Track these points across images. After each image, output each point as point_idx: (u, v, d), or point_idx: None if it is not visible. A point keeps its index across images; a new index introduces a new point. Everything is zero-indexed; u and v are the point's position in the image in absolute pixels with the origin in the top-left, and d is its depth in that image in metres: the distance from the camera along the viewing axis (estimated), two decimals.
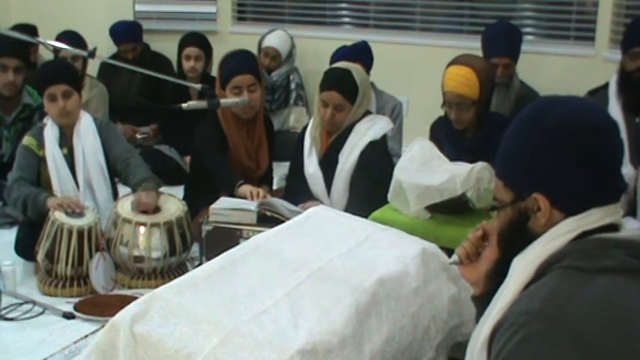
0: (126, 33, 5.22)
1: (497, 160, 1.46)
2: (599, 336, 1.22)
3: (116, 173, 3.48)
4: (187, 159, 4.57)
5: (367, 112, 3.34)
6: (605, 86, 3.56)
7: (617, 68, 3.58)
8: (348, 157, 3.23)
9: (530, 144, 1.37)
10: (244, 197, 3.16)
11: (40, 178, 3.33)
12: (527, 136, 1.39)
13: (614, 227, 1.38)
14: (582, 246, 1.33)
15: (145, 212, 3.12)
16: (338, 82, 3.21)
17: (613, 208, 1.37)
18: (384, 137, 3.28)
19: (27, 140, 3.36)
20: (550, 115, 1.37)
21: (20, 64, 3.92)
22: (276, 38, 5.08)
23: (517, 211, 1.42)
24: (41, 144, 3.33)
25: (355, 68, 3.28)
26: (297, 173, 3.41)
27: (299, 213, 2.75)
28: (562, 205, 1.36)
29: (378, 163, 3.17)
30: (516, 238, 1.43)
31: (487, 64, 3.26)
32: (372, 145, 3.21)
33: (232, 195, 3.21)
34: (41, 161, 3.33)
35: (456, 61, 3.15)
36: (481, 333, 1.40)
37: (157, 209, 3.17)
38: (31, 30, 4.84)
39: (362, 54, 4.13)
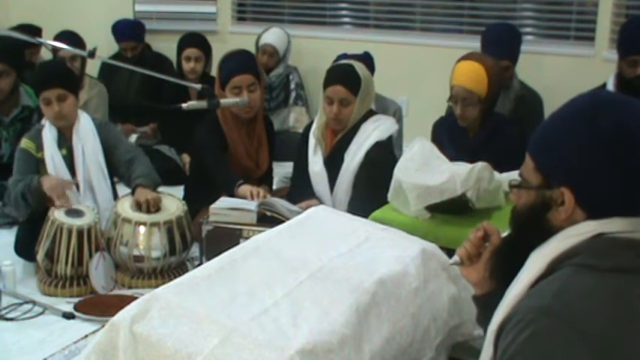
0: (127, 31, 5.22)
1: (535, 140, 1.42)
2: (606, 334, 1.23)
3: (119, 176, 3.47)
4: (185, 157, 4.59)
5: (373, 113, 3.35)
6: (602, 87, 3.55)
7: (614, 71, 3.58)
8: (354, 157, 3.23)
9: (577, 139, 1.34)
10: (244, 197, 3.15)
11: None
12: (575, 131, 1.34)
13: None
14: (594, 245, 1.33)
15: (148, 209, 3.11)
16: (342, 77, 3.22)
17: (635, 221, 1.34)
18: (389, 138, 3.28)
19: (25, 143, 3.36)
20: (605, 118, 1.33)
21: (6, 67, 3.86)
22: (273, 35, 5.09)
23: (540, 197, 1.39)
24: (39, 146, 3.33)
25: (357, 64, 3.30)
26: (301, 172, 3.41)
27: (299, 213, 2.75)
28: (587, 206, 1.35)
29: (383, 163, 3.16)
30: (532, 223, 1.41)
31: (497, 64, 3.27)
32: (377, 145, 3.22)
33: (232, 195, 3.21)
34: (40, 163, 3.32)
35: (467, 57, 3.18)
36: (492, 327, 1.40)
37: (157, 208, 3.17)
38: (34, 31, 4.83)
39: (364, 63, 4.07)
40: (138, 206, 3.13)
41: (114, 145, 3.41)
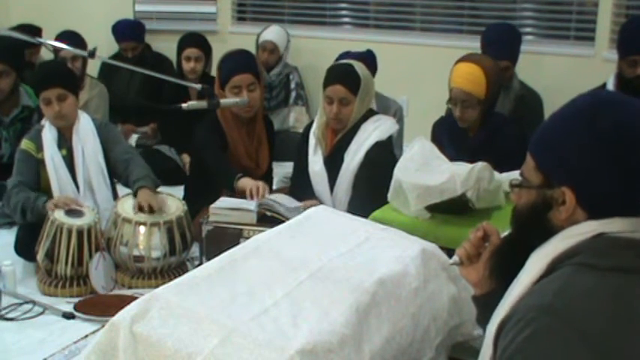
0: (127, 31, 5.23)
1: (536, 139, 1.42)
2: (606, 334, 1.23)
3: (117, 176, 3.47)
4: (185, 157, 4.59)
5: (373, 112, 3.35)
6: (602, 87, 3.55)
7: (614, 71, 3.58)
8: (354, 157, 3.23)
9: (577, 139, 1.34)
10: (244, 190, 3.15)
11: (39, 181, 3.32)
12: (576, 131, 1.34)
13: None
14: (595, 244, 1.33)
15: (150, 210, 3.11)
16: (341, 76, 3.23)
17: (636, 221, 1.34)
18: (389, 138, 3.28)
19: (25, 144, 3.35)
20: (606, 118, 1.33)
21: (6, 67, 3.86)
22: (273, 32, 5.10)
23: (541, 197, 1.39)
24: (39, 146, 3.33)
25: (357, 63, 3.30)
26: (301, 172, 3.41)
27: (299, 212, 2.75)
28: (587, 206, 1.35)
29: (384, 163, 3.16)
30: (533, 223, 1.41)
31: (495, 65, 3.27)
32: (378, 145, 3.22)
33: (232, 189, 3.21)
34: (40, 164, 3.32)
35: (465, 59, 3.18)
36: (491, 327, 1.40)
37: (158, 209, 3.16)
38: (34, 31, 4.83)
39: (367, 61, 4.06)
40: (140, 209, 3.12)
41: (112, 146, 3.41)
